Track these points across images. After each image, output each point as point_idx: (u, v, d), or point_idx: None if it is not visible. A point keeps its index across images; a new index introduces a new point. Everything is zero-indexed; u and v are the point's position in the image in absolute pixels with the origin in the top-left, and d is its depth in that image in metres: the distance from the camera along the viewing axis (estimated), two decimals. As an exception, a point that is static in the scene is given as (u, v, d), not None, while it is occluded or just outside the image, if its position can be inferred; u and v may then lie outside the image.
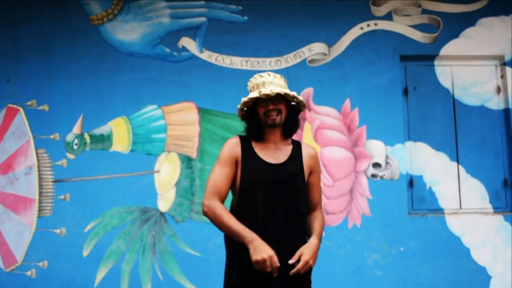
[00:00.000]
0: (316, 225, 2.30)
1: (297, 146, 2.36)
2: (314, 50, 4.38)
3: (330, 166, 4.25)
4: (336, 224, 4.21)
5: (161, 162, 4.25)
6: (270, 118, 2.22)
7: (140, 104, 4.34)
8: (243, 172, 2.23)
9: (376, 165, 4.28)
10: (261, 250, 2.02)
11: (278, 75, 2.30)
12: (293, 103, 2.30)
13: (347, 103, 4.34)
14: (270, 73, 2.29)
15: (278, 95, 2.22)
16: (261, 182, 2.19)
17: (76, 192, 4.22)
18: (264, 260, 2.01)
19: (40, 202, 4.20)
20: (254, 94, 2.21)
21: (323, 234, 2.31)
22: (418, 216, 4.24)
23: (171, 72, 4.36)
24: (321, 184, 2.52)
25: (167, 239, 4.17)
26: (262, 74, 2.28)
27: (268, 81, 2.24)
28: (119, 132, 4.29)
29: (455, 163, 4.37)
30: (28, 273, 4.11)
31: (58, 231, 4.16)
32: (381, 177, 4.27)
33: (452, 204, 4.32)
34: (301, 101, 2.30)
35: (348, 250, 4.18)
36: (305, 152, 2.34)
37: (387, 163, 4.28)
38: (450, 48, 4.44)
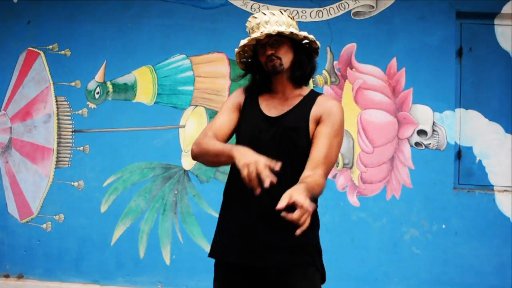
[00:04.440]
0: (306, 181, 1.81)
1: (310, 96, 2.03)
2: (360, 1, 4.22)
3: (371, 131, 4.13)
4: (373, 194, 4.12)
5: (187, 117, 4.21)
6: (270, 64, 1.94)
7: (167, 52, 4.28)
8: (239, 124, 2.05)
9: (422, 132, 4.14)
10: (248, 155, 1.70)
11: (276, 12, 1.98)
12: (305, 41, 2.00)
13: (393, 62, 4.19)
14: (266, 11, 1.98)
15: (278, 37, 1.94)
16: (252, 138, 1.97)
17: (96, 144, 4.24)
18: (248, 164, 1.65)
19: (58, 152, 4.23)
20: (243, 42, 1.98)
21: (315, 193, 1.77)
22: (465, 191, 4.11)
23: (202, 20, 4.27)
24: (333, 141, 1.93)
25: (189, 199, 4.16)
26: (256, 14, 2.00)
27: (263, 21, 1.94)
28: (144, 82, 4.26)
29: (510, 136, 4.19)
30: (44, 226, 4.18)
31: (75, 184, 4.20)
32: (426, 146, 4.13)
33: (504, 180, 4.16)
34: (311, 39, 1.98)
35: (384, 223, 4.09)
36: (319, 103, 2.00)
37: (433, 131, 4.14)
38: (514, 5, 4.22)
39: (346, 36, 4.21)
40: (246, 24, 2.03)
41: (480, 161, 4.19)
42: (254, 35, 1.93)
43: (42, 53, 4.33)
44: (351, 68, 4.18)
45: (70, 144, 4.23)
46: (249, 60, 2.11)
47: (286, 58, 1.97)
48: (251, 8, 4.25)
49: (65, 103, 4.27)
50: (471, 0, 4.20)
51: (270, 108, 2.02)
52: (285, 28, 1.92)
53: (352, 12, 4.23)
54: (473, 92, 4.23)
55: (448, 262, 4.05)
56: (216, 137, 1.97)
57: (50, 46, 4.32)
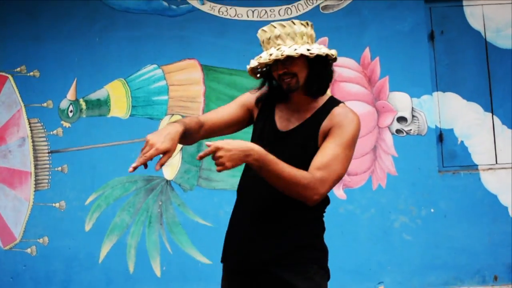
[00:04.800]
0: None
1: (325, 108, 1.90)
2: (327, -6, 4.22)
3: (350, 123, 4.11)
4: (359, 185, 4.11)
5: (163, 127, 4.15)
6: (284, 82, 1.85)
7: (138, 64, 4.25)
8: (253, 132, 2.03)
9: (401, 119, 4.14)
10: (157, 133, 1.73)
11: (288, 23, 1.84)
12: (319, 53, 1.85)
13: (367, 52, 4.19)
14: (276, 24, 1.84)
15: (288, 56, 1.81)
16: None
17: (74, 162, 4.17)
18: (147, 141, 1.70)
19: (36, 175, 4.16)
20: (252, 63, 1.88)
21: (285, 173, 1.69)
22: (450, 173, 4.12)
23: (170, 28, 4.25)
24: (341, 153, 1.80)
25: (174, 209, 4.12)
26: (265, 28, 1.86)
27: (274, 35, 1.82)
28: (117, 96, 4.21)
29: (489, 114, 4.22)
30: (28, 250, 4.10)
31: (57, 205, 4.13)
32: (407, 133, 4.13)
33: (487, 159, 4.19)
34: (323, 54, 1.83)
35: (373, 213, 4.08)
36: (333, 114, 1.86)
37: (413, 116, 4.14)
38: (481, -16, 4.24)
39: (316, 31, 4.06)
40: (257, 35, 1.90)
41: (462, 142, 4.20)
42: (262, 60, 1.82)
43: (10, 76, 4.26)
44: (325, 61, 4.16)
45: (47, 166, 4.16)
46: (264, 69, 2.00)
47: (301, 73, 1.85)
48: (218, 11, 4.23)
49: (39, 124, 4.20)
50: (438, -17, 4.23)
51: (283, 120, 1.95)
52: (295, 47, 1.79)
53: (320, 7, 4.23)
54: (448, 75, 4.25)
55: (440, 245, 4.05)
56: (203, 122, 1.96)
57: (18, 69, 4.26)
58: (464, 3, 4.28)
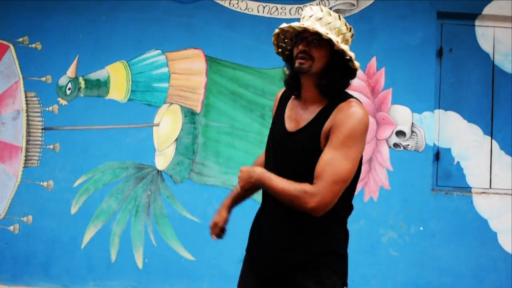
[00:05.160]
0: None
1: (331, 105, 1.82)
2: (341, -1, 4.17)
3: (349, 132, 4.07)
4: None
5: (161, 115, 4.12)
6: (298, 61, 1.80)
7: (142, 48, 4.18)
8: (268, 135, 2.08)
9: (400, 133, 4.11)
10: (216, 214, 2.23)
11: (335, 14, 1.81)
12: (346, 57, 1.80)
13: (373, 62, 4.15)
14: (324, 8, 1.82)
15: (321, 38, 1.77)
16: (271, 153, 1.97)
17: (67, 142, 4.11)
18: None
19: (27, 151, 4.10)
20: (283, 25, 1.85)
21: (284, 191, 1.76)
22: (443, 193, 4.10)
23: (178, 14, 4.17)
24: (337, 155, 1.74)
25: (163, 200, 4.07)
26: (313, 7, 1.84)
27: (316, 16, 1.78)
28: (117, 78, 4.14)
29: (488, 137, 4.19)
30: (11, 228, 4.04)
31: (45, 184, 4.07)
32: (405, 147, 4.11)
33: (482, 182, 4.17)
34: (349, 55, 1.78)
35: (362, 225, 4.06)
36: (336, 112, 1.80)
37: (412, 132, 4.11)
38: (494, 7, 4.19)
39: None
40: (304, 11, 1.87)
41: (458, 162, 4.18)
42: (294, 24, 1.80)
43: (11, 46, 4.18)
44: (331, 67, 4.12)
45: (39, 142, 4.10)
46: (288, 49, 1.96)
47: (319, 62, 1.79)
48: (229, 3, 4.16)
49: (35, 99, 4.14)
50: (453, 0, 4.17)
51: (292, 120, 1.92)
52: (330, 33, 1.75)
53: (333, 9, 4.17)
54: (452, 93, 4.21)
55: (426, 264, 4.05)
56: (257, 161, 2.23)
57: (21, 39, 4.18)
58: (477, 23, 4.23)
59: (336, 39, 1.74)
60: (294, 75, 1.89)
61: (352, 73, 1.84)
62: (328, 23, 1.78)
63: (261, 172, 1.84)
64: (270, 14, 4.16)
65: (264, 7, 4.17)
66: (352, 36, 1.88)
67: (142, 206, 4.06)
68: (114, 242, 4.03)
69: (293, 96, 1.97)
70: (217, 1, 4.18)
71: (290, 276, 1.86)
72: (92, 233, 4.04)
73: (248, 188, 1.90)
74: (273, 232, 1.92)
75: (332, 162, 1.73)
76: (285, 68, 1.99)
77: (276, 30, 1.89)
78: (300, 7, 4.16)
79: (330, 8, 4.12)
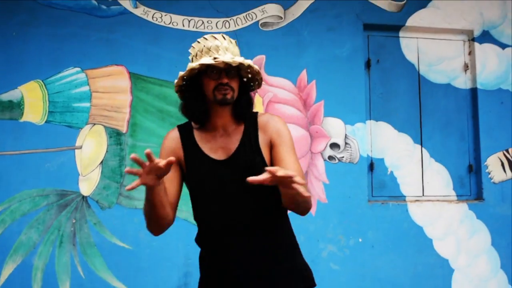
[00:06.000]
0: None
1: (251, 121, 1.92)
2: (268, 12, 4.12)
3: (283, 146, 4.00)
4: (289, 212, 3.97)
5: (83, 136, 3.85)
6: (221, 93, 1.81)
7: (59, 66, 3.89)
8: (187, 176, 1.91)
9: (334, 145, 4.10)
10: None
11: (233, 41, 1.90)
12: (245, 79, 1.92)
13: (304, 74, 4.12)
14: (225, 35, 1.88)
15: (233, 68, 1.83)
16: (211, 189, 1.87)
17: (-23, 170, 3.73)
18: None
19: None
20: (207, 60, 1.77)
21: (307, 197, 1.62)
22: (379, 203, 4.12)
23: (98, 29, 3.95)
24: (296, 157, 1.89)
25: (90, 228, 3.79)
26: (216, 35, 1.86)
27: (224, 46, 1.83)
28: (32, 99, 3.84)
29: (418, 146, 4.28)
30: None
31: (-48, 218, 3.66)
32: (339, 160, 4.09)
33: (414, 190, 4.25)
34: (260, 79, 1.93)
35: (301, 241, 3.82)
36: (261, 125, 1.90)
37: (346, 143, 4.11)
38: (417, 18, 4.33)
39: (254, 48, 4.07)
40: (199, 41, 1.85)
41: (391, 172, 4.22)
42: (223, 58, 1.76)
43: None
44: (261, 80, 4.04)
45: None
46: (184, 82, 1.90)
47: (235, 91, 1.86)
48: (152, 17, 3.99)
49: None
50: (378, 12, 4.26)
51: (216, 149, 1.89)
52: (252, 63, 1.85)
53: (260, 23, 4.11)
54: (382, 104, 4.27)
55: (366, 276, 4.03)
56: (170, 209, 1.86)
57: None
58: (401, 34, 4.34)
59: (255, 67, 1.86)
60: (202, 107, 1.88)
61: (252, 87, 1.97)
62: (232, 51, 1.85)
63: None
64: (196, 28, 4.03)
65: (189, 21, 4.03)
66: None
67: (67, 235, 3.75)
68: (37, 278, 3.69)
69: (194, 131, 1.94)
70: (139, 15, 3.99)
71: None
72: (10, 269, 3.68)
73: None
74: (253, 260, 1.85)
75: (296, 164, 1.84)
76: (182, 102, 1.94)
77: (193, 65, 1.80)
78: (227, 21, 4.07)
79: (257, 22, 4.09)
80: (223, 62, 1.77)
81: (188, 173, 1.90)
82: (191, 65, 1.80)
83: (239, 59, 1.79)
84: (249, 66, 1.84)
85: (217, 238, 1.87)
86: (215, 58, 1.77)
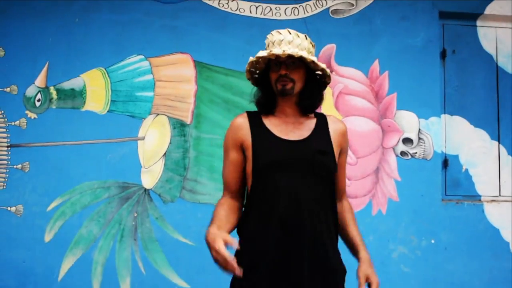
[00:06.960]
0: (354, 228, 2.11)
1: (321, 119, 2.06)
2: (339, -2, 3.93)
3: (353, 140, 3.81)
4: (358, 209, 3.81)
5: (146, 127, 3.74)
6: (281, 83, 1.93)
7: (122, 53, 3.79)
8: (255, 154, 1.95)
9: (407, 140, 3.88)
10: (209, 244, 1.83)
11: (302, 35, 1.96)
12: (317, 72, 1.99)
13: (376, 65, 3.92)
14: (292, 30, 1.95)
15: (297, 59, 1.92)
16: (280, 164, 1.91)
17: (37, 160, 3.67)
18: (216, 259, 1.77)
19: (-10, 171, 3.64)
20: (262, 53, 1.93)
21: None
22: (453, 203, 3.89)
23: (162, 15, 3.82)
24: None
25: (151, 222, 3.68)
26: (281, 30, 1.96)
27: (287, 40, 1.92)
28: (95, 88, 3.74)
29: (495, 142, 4.03)
30: (-27, 261, 3.54)
31: (13, 209, 3.62)
32: (412, 156, 3.88)
33: (491, 190, 4.01)
34: (326, 72, 1.97)
35: (371, 240, 3.78)
36: (333, 127, 2.05)
37: (419, 139, 3.89)
38: (496, 6, 4.07)
39: (324, 36, 3.88)
40: (267, 36, 1.98)
41: (466, 170, 3.99)
42: (275, 51, 1.88)
43: (-32, 53, 3.72)
44: (331, 71, 3.85)
45: (5, 162, 3.64)
46: (257, 72, 2.07)
47: (298, 83, 1.96)
48: (218, 3, 3.84)
49: (-2, 112, 3.69)
50: (454, 0, 4.02)
51: (287, 132, 1.97)
52: (309, 55, 1.91)
53: (330, 10, 3.92)
54: (457, 97, 4.04)
55: (438, 279, 3.82)
56: (229, 191, 2.03)
57: (-23, 45, 3.72)
58: (478, 23, 4.09)
59: (313, 59, 1.90)
60: (269, 97, 2.02)
61: (325, 85, 2.04)
62: (299, 45, 1.92)
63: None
64: (264, 15, 3.86)
65: (257, 8, 3.86)
66: (314, 48, 2.03)
67: (128, 230, 3.65)
68: (97, 272, 3.60)
69: (263, 117, 2.03)
70: (205, 1, 3.85)
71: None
72: (70, 263, 3.60)
73: None
74: (316, 236, 1.91)
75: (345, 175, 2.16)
76: (255, 91, 2.08)
77: (252, 59, 1.97)
78: (296, 7, 3.88)
79: (328, 9, 3.90)
80: (274, 54, 1.88)
81: (254, 152, 1.94)
82: (251, 58, 1.97)
83: (292, 51, 1.86)
84: (308, 58, 1.90)
85: (282, 216, 1.88)
86: (269, 52, 1.89)
